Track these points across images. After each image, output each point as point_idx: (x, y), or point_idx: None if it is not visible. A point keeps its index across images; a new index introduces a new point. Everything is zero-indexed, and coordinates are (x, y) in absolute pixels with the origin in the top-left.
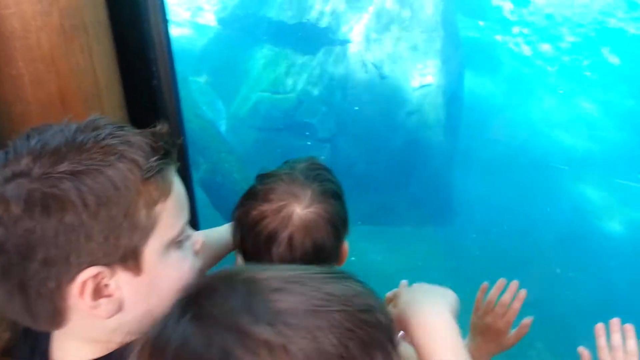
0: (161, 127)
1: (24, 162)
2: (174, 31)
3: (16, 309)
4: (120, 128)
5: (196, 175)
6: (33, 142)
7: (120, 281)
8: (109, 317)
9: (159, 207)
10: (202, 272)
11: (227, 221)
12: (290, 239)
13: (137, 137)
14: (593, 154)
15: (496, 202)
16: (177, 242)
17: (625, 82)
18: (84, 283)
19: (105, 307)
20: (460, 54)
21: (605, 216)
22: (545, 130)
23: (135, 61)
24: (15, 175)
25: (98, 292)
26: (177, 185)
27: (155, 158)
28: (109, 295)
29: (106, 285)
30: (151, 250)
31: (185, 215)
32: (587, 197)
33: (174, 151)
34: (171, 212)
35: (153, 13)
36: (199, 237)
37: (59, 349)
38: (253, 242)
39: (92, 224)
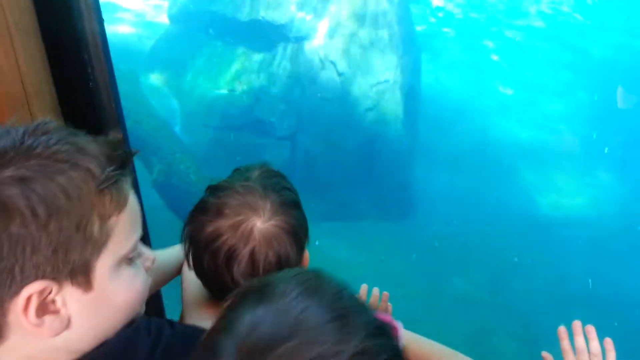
0: (116, 136)
1: None
2: (123, 29)
3: None
4: (73, 134)
5: (150, 177)
6: None
7: (68, 298)
8: (54, 336)
9: (112, 221)
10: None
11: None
12: (252, 255)
13: (91, 145)
14: (548, 143)
15: (455, 194)
16: (129, 259)
17: (577, 73)
18: (29, 299)
19: (49, 325)
20: (416, 48)
21: (562, 205)
22: (501, 121)
23: (68, 64)
24: None
25: (43, 309)
26: (132, 198)
27: (111, 168)
28: (54, 312)
29: (53, 302)
30: (103, 265)
31: (138, 230)
32: (544, 187)
33: (130, 162)
34: (125, 227)
35: (85, 10)
36: (150, 254)
37: None
38: (210, 261)
39: (41, 235)
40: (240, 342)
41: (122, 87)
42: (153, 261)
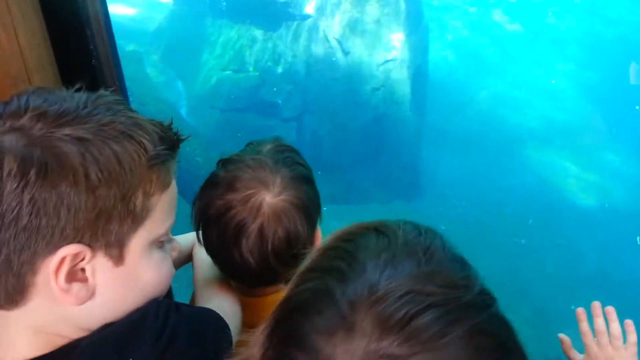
0: (169, 121)
1: (25, 119)
2: (127, 10)
3: None
4: (130, 109)
5: None
6: (38, 100)
7: (98, 268)
8: (77, 304)
9: (154, 199)
10: None
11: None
12: (261, 230)
13: (146, 123)
14: (558, 124)
15: (463, 175)
16: (160, 242)
17: (586, 52)
18: (62, 260)
19: (76, 292)
20: (423, 26)
21: (571, 187)
22: (510, 103)
23: (70, 40)
24: (14, 129)
25: (72, 275)
26: (174, 184)
27: (162, 147)
28: (83, 280)
29: (82, 270)
30: (137, 242)
31: (173, 216)
32: (553, 169)
33: (179, 146)
34: (164, 208)
35: None
36: (177, 245)
37: None
38: (219, 235)
39: (88, 198)
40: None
41: (127, 69)
42: (179, 252)
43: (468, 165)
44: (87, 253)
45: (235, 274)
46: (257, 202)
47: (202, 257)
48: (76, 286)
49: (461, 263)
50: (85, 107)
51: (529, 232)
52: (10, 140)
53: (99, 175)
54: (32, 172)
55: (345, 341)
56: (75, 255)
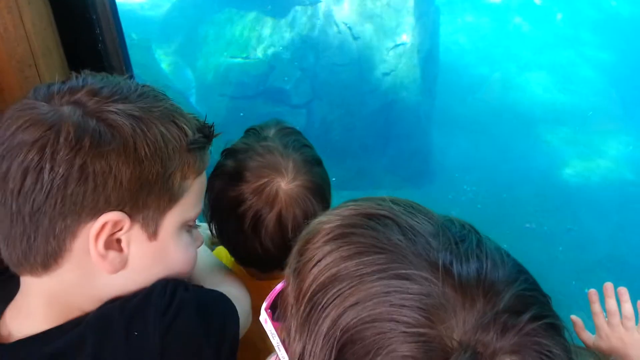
0: (205, 120)
1: (82, 94)
2: None
3: (14, 235)
4: (174, 102)
5: None
6: (94, 80)
7: (133, 239)
8: (111, 273)
9: (189, 182)
10: None
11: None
12: (279, 217)
13: (188, 114)
14: (569, 107)
15: (474, 160)
16: (189, 226)
17: (599, 34)
18: (104, 226)
19: (111, 260)
20: (433, 9)
21: (584, 170)
22: (522, 86)
23: (76, 24)
24: (72, 103)
25: (109, 244)
26: (205, 173)
27: (200, 135)
28: (119, 250)
29: (118, 241)
30: (170, 220)
31: (201, 204)
32: (565, 152)
33: (212, 138)
34: (196, 192)
35: None
36: (201, 235)
37: (14, 310)
38: (236, 227)
39: (135, 170)
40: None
41: (135, 57)
42: (202, 242)
43: (479, 149)
44: (126, 223)
45: (253, 261)
46: (272, 190)
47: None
48: (112, 254)
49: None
50: (136, 90)
51: (540, 216)
52: (69, 110)
53: (146, 149)
54: (87, 139)
55: (444, 318)
56: (116, 223)
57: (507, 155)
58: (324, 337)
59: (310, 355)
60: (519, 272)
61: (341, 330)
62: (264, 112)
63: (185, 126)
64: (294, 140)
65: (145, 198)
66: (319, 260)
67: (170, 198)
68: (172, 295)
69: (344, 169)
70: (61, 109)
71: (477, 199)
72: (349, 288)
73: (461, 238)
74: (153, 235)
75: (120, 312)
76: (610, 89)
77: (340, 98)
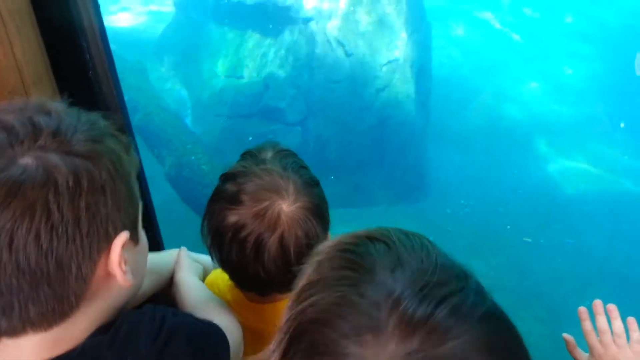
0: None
1: (42, 139)
2: (127, 19)
3: (33, 296)
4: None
5: (162, 170)
6: (41, 121)
7: (127, 250)
8: (130, 284)
9: (134, 179)
10: (139, 297)
11: (199, 215)
12: (281, 240)
13: (104, 120)
14: (563, 119)
15: (470, 174)
16: None
17: (590, 44)
18: (122, 246)
19: (128, 272)
20: (425, 24)
21: (579, 183)
22: (515, 99)
23: (66, 51)
24: (38, 150)
25: (122, 259)
26: None
27: (125, 136)
28: (126, 263)
29: (121, 255)
30: (139, 221)
31: None
32: (560, 165)
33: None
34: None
35: None
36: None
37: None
38: (237, 253)
39: (123, 187)
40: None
41: (129, 80)
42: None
43: (474, 163)
44: (128, 236)
45: (254, 285)
46: (274, 213)
47: (188, 280)
48: (126, 267)
49: (449, 256)
50: (79, 118)
51: (538, 230)
52: (54, 158)
53: (125, 167)
54: (84, 181)
55: (374, 341)
56: (125, 241)
57: (503, 168)
58: (283, 325)
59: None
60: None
61: (296, 325)
62: (259, 131)
63: (119, 131)
64: (292, 162)
65: (133, 210)
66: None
67: (137, 201)
68: (161, 321)
69: (339, 186)
70: (46, 159)
71: (474, 213)
72: (319, 291)
73: (440, 282)
74: (136, 239)
75: (111, 340)
76: (604, 100)
77: (335, 115)
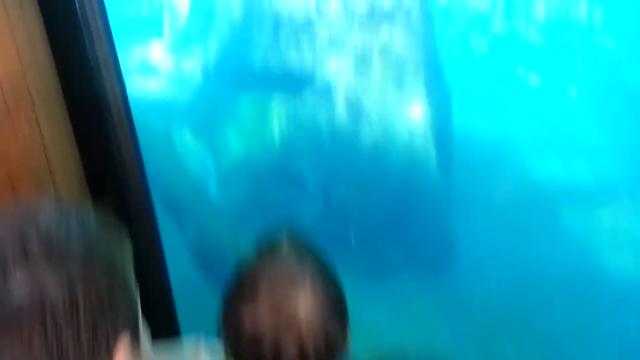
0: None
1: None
2: (153, 84)
3: None
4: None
5: (184, 241)
6: (30, 232)
7: (129, 351)
8: None
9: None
10: None
11: (222, 289)
12: (300, 342)
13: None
14: (598, 181)
15: (499, 242)
16: None
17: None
18: (126, 345)
19: None
20: (444, 85)
21: (622, 254)
22: (543, 160)
23: (91, 129)
24: (34, 270)
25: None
26: None
27: (116, 226)
28: None
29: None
30: (139, 313)
31: None
32: (599, 232)
33: None
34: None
35: (105, 71)
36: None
37: None
38: (254, 352)
39: (118, 292)
40: None
41: (155, 147)
42: None
43: (504, 230)
44: (128, 338)
45: None
46: (289, 311)
47: None
48: None
49: None
50: (69, 221)
51: (578, 308)
52: (46, 276)
53: (120, 267)
54: (80, 299)
55: None
56: (127, 342)
57: (535, 234)
58: None
59: None
60: None
61: None
62: (281, 198)
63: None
64: (307, 254)
65: (133, 304)
66: None
67: (135, 295)
68: None
69: (363, 255)
70: (42, 284)
71: (506, 289)
72: None
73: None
74: (137, 335)
75: None
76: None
77: (356, 181)
